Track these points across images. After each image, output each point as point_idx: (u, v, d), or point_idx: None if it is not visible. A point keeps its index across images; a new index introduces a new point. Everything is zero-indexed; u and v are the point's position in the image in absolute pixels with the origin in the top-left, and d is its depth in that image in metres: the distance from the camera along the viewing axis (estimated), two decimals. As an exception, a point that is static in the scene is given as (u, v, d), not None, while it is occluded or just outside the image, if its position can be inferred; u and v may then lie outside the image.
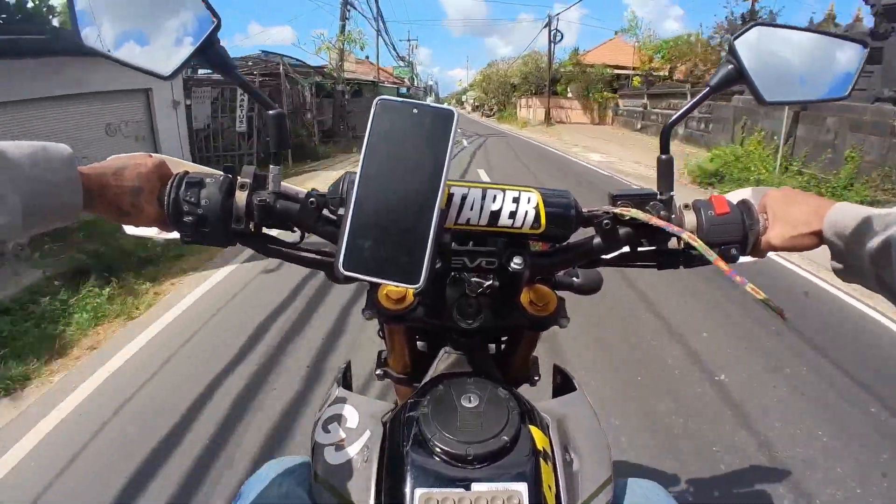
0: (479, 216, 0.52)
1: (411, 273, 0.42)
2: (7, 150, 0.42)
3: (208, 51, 0.51)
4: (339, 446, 0.54)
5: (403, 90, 28.71)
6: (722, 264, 0.48)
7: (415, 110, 0.43)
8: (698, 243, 0.50)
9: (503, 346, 0.76)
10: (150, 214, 0.52)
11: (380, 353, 0.78)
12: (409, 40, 44.16)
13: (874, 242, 0.43)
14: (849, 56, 0.54)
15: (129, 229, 0.60)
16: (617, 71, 21.53)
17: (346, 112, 14.21)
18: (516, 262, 0.53)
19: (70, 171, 0.45)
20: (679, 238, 0.53)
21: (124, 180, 0.50)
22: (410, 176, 0.43)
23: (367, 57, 21.00)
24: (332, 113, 13.99)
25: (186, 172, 0.54)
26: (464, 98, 64.25)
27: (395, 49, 30.87)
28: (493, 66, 36.04)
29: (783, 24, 0.53)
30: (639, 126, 16.62)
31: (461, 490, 0.44)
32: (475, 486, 0.45)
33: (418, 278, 0.42)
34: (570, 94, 23.29)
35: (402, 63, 35.07)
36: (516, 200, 0.53)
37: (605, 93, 21.31)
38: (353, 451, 0.53)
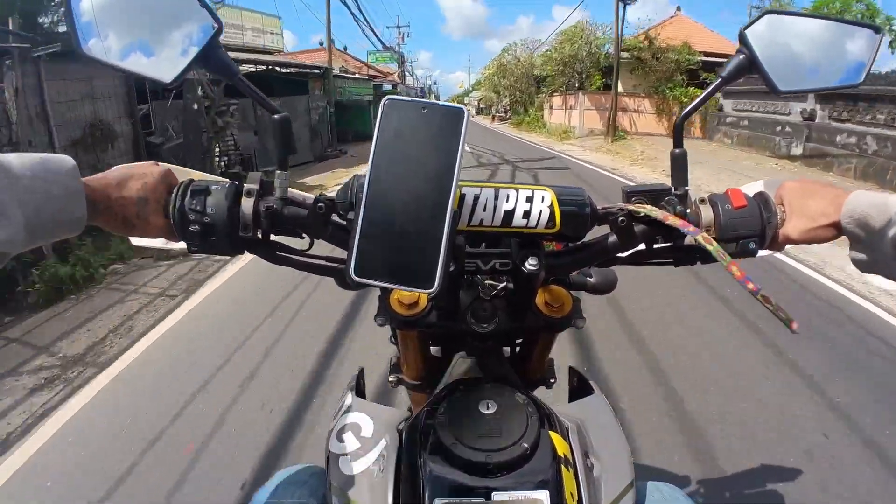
0: (493, 217, 0.60)
1: (425, 277, 0.48)
2: (9, 162, 0.48)
3: (210, 55, 0.61)
4: (355, 456, 0.62)
5: (387, 86, 23.83)
6: (735, 269, 0.54)
7: (424, 109, 0.50)
8: (713, 246, 0.56)
9: (518, 348, 0.85)
10: (157, 225, 0.60)
11: (392, 359, 0.87)
12: (398, 27, 39.30)
13: None
14: (862, 42, 0.62)
15: (136, 240, 0.69)
16: (704, 58, 16.80)
17: (220, 127, 7.87)
18: (531, 263, 0.61)
19: (74, 182, 0.52)
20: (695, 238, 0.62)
21: (129, 191, 0.58)
22: (421, 177, 0.49)
23: (338, 45, 17.54)
24: (185, 132, 7.59)
25: (192, 180, 0.63)
26: (466, 100, 61.51)
27: (370, 27, 25.60)
28: (509, 51, 30.14)
29: (794, 11, 0.63)
30: (797, 150, 10.89)
31: (481, 500, 0.51)
32: (495, 496, 0.51)
33: (433, 282, 0.48)
34: (622, 90, 17.30)
35: (385, 52, 30.48)
36: (530, 200, 0.60)
37: (691, 88, 16.59)
38: (368, 460, 0.61)
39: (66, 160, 0.53)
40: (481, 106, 49.38)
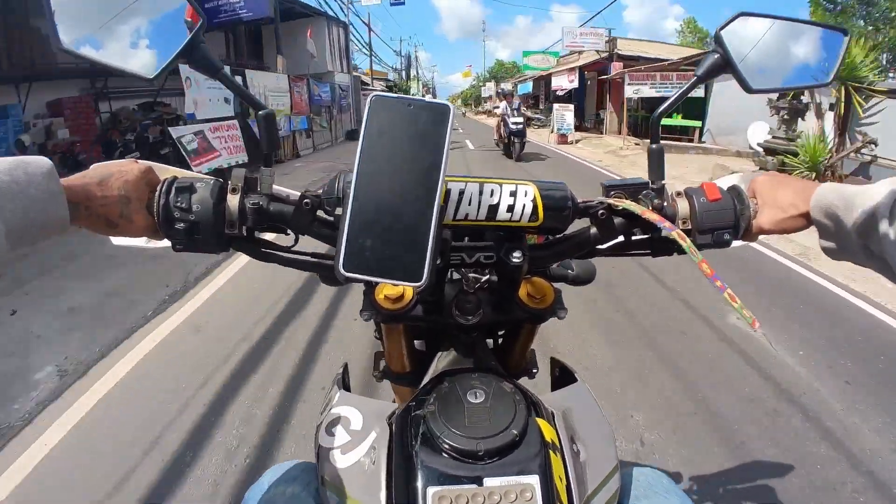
0: (478, 211, 0.60)
1: (413, 271, 0.48)
2: None
3: (193, 51, 0.59)
4: (346, 449, 0.61)
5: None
6: (705, 267, 0.55)
7: (410, 106, 0.50)
8: (686, 242, 0.56)
9: (501, 340, 0.86)
10: (140, 224, 0.58)
11: (376, 353, 0.87)
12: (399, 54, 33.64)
13: (860, 216, 0.51)
14: (831, 43, 0.64)
15: (117, 240, 0.66)
16: None
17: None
18: (516, 256, 0.62)
19: (52, 184, 0.50)
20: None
21: (111, 190, 0.56)
22: (408, 173, 0.49)
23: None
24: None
25: (175, 178, 0.61)
26: (483, 89, 44.06)
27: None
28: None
29: (767, 13, 0.64)
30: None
31: (473, 486, 0.51)
32: (487, 482, 0.52)
33: (420, 276, 0.48)
34: None
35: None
36: (514, 194, 0.61)
37: None
38: (359, 452, 0.60)
39: (44, 161, 0.51)
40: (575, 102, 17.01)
